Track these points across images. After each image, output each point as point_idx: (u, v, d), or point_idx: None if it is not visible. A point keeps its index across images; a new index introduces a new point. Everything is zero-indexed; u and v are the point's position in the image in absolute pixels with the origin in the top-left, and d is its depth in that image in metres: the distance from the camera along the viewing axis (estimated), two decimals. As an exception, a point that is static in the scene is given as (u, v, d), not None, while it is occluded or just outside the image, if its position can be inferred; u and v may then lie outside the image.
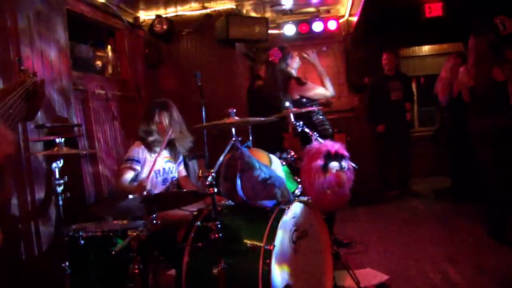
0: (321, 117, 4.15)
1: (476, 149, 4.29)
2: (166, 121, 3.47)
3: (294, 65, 4.19)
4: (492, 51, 4.05)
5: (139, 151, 3.42)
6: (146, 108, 3.69)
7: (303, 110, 3.71)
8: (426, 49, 9.08)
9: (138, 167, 3.40)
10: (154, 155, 3.40)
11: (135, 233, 2.45)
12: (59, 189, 2.63)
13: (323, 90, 4.07)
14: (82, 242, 2.60)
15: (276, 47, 4.21)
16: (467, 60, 4.33)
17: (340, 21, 6.77)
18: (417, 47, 9.07)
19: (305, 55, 4.21)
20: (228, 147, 2.58)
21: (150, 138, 3.44)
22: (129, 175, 3.37)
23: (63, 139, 2.78)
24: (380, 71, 6.52)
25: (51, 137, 3.33)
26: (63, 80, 3.72)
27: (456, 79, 4.90)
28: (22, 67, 2.61)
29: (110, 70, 5.46)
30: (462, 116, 4.50)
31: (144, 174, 3.37)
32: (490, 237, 4.10)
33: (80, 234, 2.61)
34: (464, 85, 4.33)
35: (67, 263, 2.54)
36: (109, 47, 5.45)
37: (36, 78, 1.88)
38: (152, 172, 3.32)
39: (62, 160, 2.66)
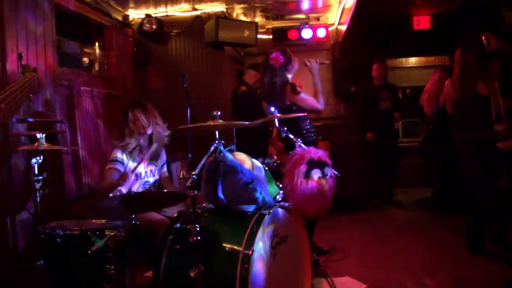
0: (308, 126, 4.11)
1: (457, 160, 4.34)
2: (142, 117, 3.43)
3: (291, 71, 4.12)
4: (477, 65, 4.11)
5: (121, 153, 3.39)
6: (121, 113, 3.64)
7: (288, 116, 3.70)
8: (413, 60, 9.19)
9: (122, 169, 3.36)
10: (134, 162, 3.38)
11: (113, 233, 2.41)
12: (38, 185, 2.58)
13: (314, 103, 3.96)
14: (59, 240, 2.56)
15: (279, 51, 4.11)
16: (453, 73, 4.38)
17: (329, 29, 6.79)
18: (404, 59, 9.19)
19: (307, 64, 4.10)
20: (211, 150, 2.56)
21: (125, 142, 3.39)
22: (114, 177, 3.33)
23: (44, 135, 2.74)
24: (367, 80, 6.58)
25: (33, 132, 3.28)
26: (48, 75, 3.67)
27: (441, 91, 4.96)
28: (22, 63, 2.62)
29: (97, 67, 5.40)
30: (447, 128, 4.54)
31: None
32: (469, 249, 4.14)
33: (57, 232, 2.56)
34: (449, 97, 4.38)
35: (42, 261, 2.49)
36: (97, 44, 5.40)
37: (36, 74, 2.00)
38: (134, 174, 3.31)
39: (42, 156, 2.61)
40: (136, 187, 3.41)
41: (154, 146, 3.46)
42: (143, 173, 3.47)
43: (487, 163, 4.05)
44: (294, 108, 3.94)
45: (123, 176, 3.17)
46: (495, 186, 4.14)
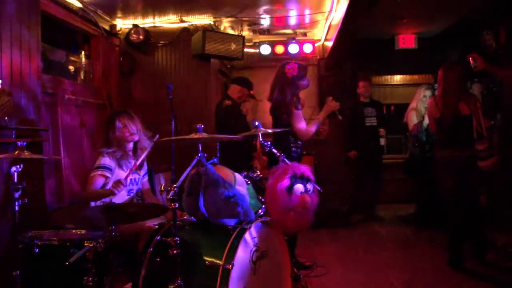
0: (294, 141, 4.11)
1: (437, 178, 4.39)
2: (130, 124, 3.43)
3: (302, 87, 4.08)
4: (460, 85, 4.20)
5: (110, 161, 3.36)
6: (104, 124, 3.62)
7: (270, 130, 3.72)
8: (397, 78, 9.28)
9: (110, 175, 3.33)
10: (121, 169, 3.36)
11: (92, 244, 2.38)
12: (17, 194, 2.55)
13: (303, 126, 3.95)
14: (37, 250, 2.52)
15: (296, 63, 4.13)
16: (436, 93, 4.46)
17: (316, 45, 6.89)
18: (389, 76, 9.29)
19: (330, 103, 4.15)
20: (193, 163, 2.56)
21: (112, 149, 3.38)
22: (99, 183, 3.30)
23: (25, 143, 2.71)
24: (353, 96, 6.64)
25: (14, 140, 3.24)
26: (32, 82, 3.64)
27: (425, 110, 5.05)
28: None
29: (82, 76, 5.38)
30: (431, 146, 4.61)
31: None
32: (450, 265, 4.17)
33: (35, 242, 2.53)
34: (432, 115, 4.45)
35: (18, 272, 2.45)
36: (83, 52, 5.39)
37: (11, 98, 2.02)
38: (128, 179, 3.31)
39: (22, 165, 2.58)
40: (121, 194, 3.39)
41: (144, 154, 3.45)
42: (128, 181, 3.45)
43: (466, 182, 4.11)
44: (284, 122, 3.97)
45: (118, 185, 3.12)
46: (474, 204, 4.20)
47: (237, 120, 4.87)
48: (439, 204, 4.98)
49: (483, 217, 4.32)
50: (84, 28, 5.11)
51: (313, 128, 4.02)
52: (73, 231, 2.87)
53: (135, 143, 3.50)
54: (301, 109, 3.97)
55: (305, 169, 3.06)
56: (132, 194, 3.51)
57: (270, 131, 3.64)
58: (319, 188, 3.15)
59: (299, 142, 4.05)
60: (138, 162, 3.29)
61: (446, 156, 4.23)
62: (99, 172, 3.31)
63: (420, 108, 5.76)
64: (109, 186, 3.29)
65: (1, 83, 3.17)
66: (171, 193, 2.27)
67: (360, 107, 6.48)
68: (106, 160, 3.35)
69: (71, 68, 5.24)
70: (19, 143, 2.69)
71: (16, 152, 2.61)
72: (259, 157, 4.67)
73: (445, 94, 4.25)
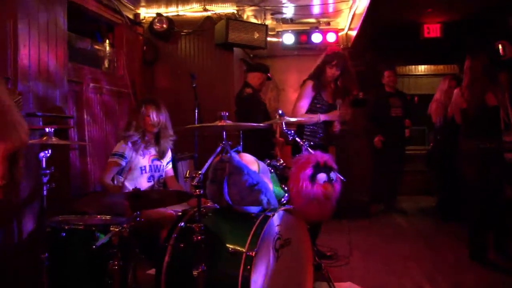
0: (309, 130, 4.11)
1: (463, 170, 4.32)
2: (153, 114, 3.43)
3: (327, 74, 4.06)
4: (486, 75, 4.10)
5: (126, 148, 3.40)
6: (134, 105, 3.68)
7: (294, 120, 3.72)
8: (421, 68, 9.16)
9: (123, 162, 3.38)
10: (139, 155, 3.41)
11: (117, 229, 2.42)
12: (45, 179, 2.61)
13: (297, 105, 4.04)
14: (64, 234, 2.58)
15: (336, 49, 4.17)
16: (462, 83, 4.38)
17: (339, 34, 6.80)
18: (413, 66, 9.16)
19: (340, 106, 4.11)
20: (218, 150, 2.57)
21: (129, 133, 3.41)
22: (114, 170, 3.38)
23: (53, 129, 2.76)
24: (375, 86, 6.56)
25: (41, 126, 3.31)
26: (58, 71, 3.70)
27: (450, 101, 4.96)
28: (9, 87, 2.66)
29: (106, 64, 5.44)
30: (455, 138, 4.53)
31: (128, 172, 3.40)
32: (471, 257, 4.12)
33: (62, 226, 2.58)
34: (457, 106, 4.37)
35: (46, 255, 2.51)
36: (107, 41, 5.44)
37: (20, 97, 2.10)
38: (134, 171, 3.34)
39: (50, 150, 2.63)
40: (141, 181, 3.44)
41: (162, 145, 3.49)
42: (148, 167, 3.49)
43: (491, 173, 4.03)
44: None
45: (116, 190, 3.19)
46: (497, 196, 4.13)
47: (258, 109, 4.88)
48: (461, 197, 4.92)
49: (507, 209, 4.25)
50: (108, 17, 5.15)
51: (303, 112, 4.03)
52: (98, 216, 2.91)
53: (158, 133, 3.52)
54: (310, 92, 3.99)
55: (328, 158, 3.05)
56: (153, 181, 3.55)
57: (293, 120, 3.63)
58: (342, 178, 3.15)
59: (318, 135, 4.05)
60: (153, 152, 3.29)
61: (471, 147, 4.15)
62: (114, 159, 3.38)
63: (444, 99, 5.65)
64: (125, 172, 3.40)
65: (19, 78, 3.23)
66: (196, 179, 2.28)
67: (385, 98, 6.40)
68: (122, 147, 3.40)
69: (96, 56, 5.30)
70: (46, 130, 2.74)
71: (44, 138, 2.67)
72: (279, 144, 4.67)
73: (471, 84, 4.16)
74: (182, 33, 5.91)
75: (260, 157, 3.07)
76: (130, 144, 3.40)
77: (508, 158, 4.02)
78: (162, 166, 3.60)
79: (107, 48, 5.44)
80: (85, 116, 4.46)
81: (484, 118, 4.07)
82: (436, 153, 6.00)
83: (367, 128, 6.41)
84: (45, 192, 2.61)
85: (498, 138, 4.01)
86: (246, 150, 3.26)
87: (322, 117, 4.04)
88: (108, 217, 2.87)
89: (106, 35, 5.44)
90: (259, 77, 5.04)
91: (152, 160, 3.53)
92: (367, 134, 6.42)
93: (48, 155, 2.62)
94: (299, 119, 3.88)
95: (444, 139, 5.66)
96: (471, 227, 4.24)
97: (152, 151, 3.52)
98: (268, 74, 5.16)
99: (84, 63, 4.68)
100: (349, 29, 6.77)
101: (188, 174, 2.34)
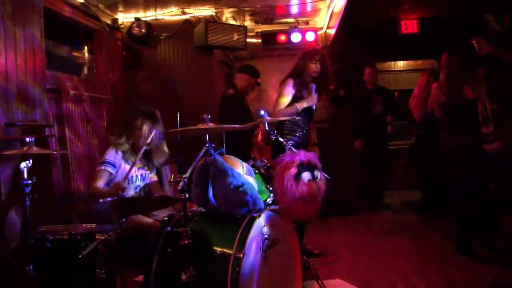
0: (290, 125, 4.09)
1: (445, 164, 4.39)
2: (146, 130, 3.31)
3: (311, 70, 4.03)
4: (463, 69, 4.18)
5: (115, 156, 3.32)
6: (130, 112, 3.57)
7: (277, 119, 3.73)
8: (401, 64, 9.27)
9: (113, 171, 3.29)
10: (128, 164, 3.34)
11: (103, 237, 2.40)
12: (27, 189, 2.57)
13: (280, 109, 3.96)
14: (49, 245, 2.54)
15: (318, 47, 4.19)
16: (440, 78, 4.44)
17: (318, 33, 6.85)
18: (392, 62, 9.26)
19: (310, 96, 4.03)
20: (201, 153, 2.57)
21: (120, 141, 3.34)
22: (104, 178, 3.27)
23: (33, 139, 2.72)
24: (356, 84, 6.61)
25: (22, 136, 3.26)
26: (36, 79, 3.65)
27: (429, 96, 5.03)
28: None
29: (86, 71, 5.39)
30: (436, 132, 4.59)
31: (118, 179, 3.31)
32: (458, 251, 4.18)
33: (47, 236, 2.55)
34: (436, 101, 4.43)
35: (31, 267, 2.48)
36: (86, 48, 5.39)
37: None
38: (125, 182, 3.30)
39: (31, 160, 2.60)
40: (128, 192, 3.40)
41: (153, 161, 3.46)
42: (134, 177, 3.45)
43: (474, 166, 4.10)
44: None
45: (116, 188, 3.05)
46: (482, 189, 4.19)
47: (238, 111, 4.84)
48: (445, 190, 4.98)
49: (492, 202, 4.32)
50: (86, 23, 5.11)
51: (284, 112, 3.94)
52: (83, 225, 2.88)
53: (150, 149, 3.44)
54: (291, 90, 3.99)
55: (312, 156, 3.07)
56: (138, 190, 3.51)
57: (275, 119, 3.64)
58: (326, 176, 3.16)
59: (297, 133, 4.04)
60: (132, 166, 3.13)
61: (452, 141, 4.22)
62: (102, 167, 3.27)
63: (423, 94, 5.73)
64: (114, 181, 3.26)
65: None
66: (181, 183, 2.27)
67: (366, 95, 6.47)
68: (112, 155, 3.32)
69: (75, 63, 5.24)
70: (26, 139, 2.70)
71: (25, 148, 2.63)
72: (258, 146, 4.67)
73: (449, 78, 4.23)
74: (161, 37, 5.90)
75: (242, 158, 3.07)
76: (120, 153, 3.34)
77: (487, 149, 4.09)
78: (147, 175, 3.57)
79: (86, 54, 5.39)
80: (66, 124, 4.41)
81: (463, 112, 4.14)
82: (419, 147, 6.07)
83: (350, 126, 6.45)
84: (27, 203, 2.57)
85: (477, 131, 4.08)
86: (228, 152, 3.26)
87: (299, 106, 3.96)
88: (93, 225, 2.84)
89: (84, 42, 5.39)
90: (246, 80, 5.01)
91: (139, 169, 3.48)
92: (352, 132, 6.47)
93: (29, 165, 2.58)
94: (279, 118, 3.85)
95: (425, 133, 5.74)
96: (457, 221, 4.30)
97: (140, 162, 3.46)
98: (258, 80, 5.11)
99: (63, 71, 4.63)
100: (328, 27, 6.82)
101: (173, 179, 2.33)
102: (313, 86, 3.98)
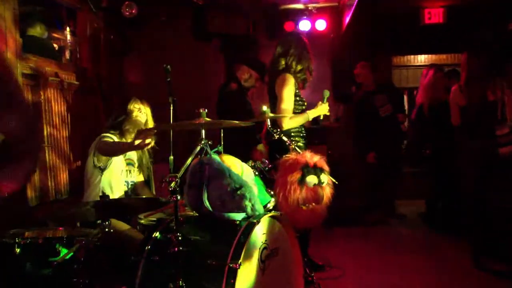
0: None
1: (463, 171, 4.45)
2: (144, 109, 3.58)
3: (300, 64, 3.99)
4: (484, 70, 4.24)
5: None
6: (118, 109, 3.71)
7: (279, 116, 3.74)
8: (422, 58, 9.24)
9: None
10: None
11: (83, 242, 2.40)
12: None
13: (289, 121, 3.90)
14: (19, 250, 2.53)
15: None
16: (460, 79, 4.51)
17: (330, 21, 6.82)
18: (412, 56, 9.23)
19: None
20: (196, 151, 2.58)
21: (120, 119, 3.50)
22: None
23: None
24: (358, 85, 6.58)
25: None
26: (11, 63, 3.65)
27: (435, 89, 5.12)
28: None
29: (67, 55, 5.36)
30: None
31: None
32: (475, 266, 4.23)
33: (17, 240, 2.53)
34: (456, 104, 4.47)
35: (-1, 274, 2.47)
36: (68, 29, 5.35)
37: None
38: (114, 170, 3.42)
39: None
40: (119, 184, 3.50)
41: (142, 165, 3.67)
42: (124, 172, 3.52)
43: (489, 173, 4.17)
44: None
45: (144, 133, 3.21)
46: (506, 199, 4.24)
47: (242, 109, 4.85)
48: (455, 201, 5.01)
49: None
50: (69, 2, 5.09)
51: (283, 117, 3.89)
52: (60, 228, 2.88)
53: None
54: (293, 89, 3.97)
55: (319, 159, 3.08)
56: (127, 187, 3.57)
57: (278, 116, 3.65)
58: (334, 181, 3.18)
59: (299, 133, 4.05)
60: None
61: (474, 147, 4.27)
62: (104, 139, 3.42)
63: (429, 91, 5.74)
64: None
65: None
66: (173, 184, 2.28)
67: (368, 98, 6.32)
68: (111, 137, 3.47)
69: (55, 46, 5.22)
70: (0, 132, 2.70)
71: (-2, 140, 2.63)
72: (260, 152, 4.68)
73: (470, 81, 4.30)
74: (155, 20, 5.87)
75: (242, 158, 3.08)
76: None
77: (501, 153, 4.16)
78: (136, 171, 3.63)
79: (68, 36, 5.36)
80: (44, 115, 4.41)
81: (485, 116, 4.21)
82: (411, 149, 6.12)
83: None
84: (-4, 203, 2.57)
85: (492, 134, 4.18)
86: (227, 151, 3.27)
87: (310, 115, 3.96)
88: (71, 228, 2.85)
89: (66, 22, 5.36)
90: (250, 74, 5.02)
91: (127, 164, 3.55)
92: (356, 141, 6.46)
93: (1, 160, 2.58)
94: (290, 125, 3.87)
95: (418, 133, 5.85)
96: (475, 233, 4.33)
97: (130, 154, 3.58)
98: (263, 76, 5.06)
99: (41, 54, 4.61)
100: (340, 15, 6.81)
101: (164, 179, 2.34)
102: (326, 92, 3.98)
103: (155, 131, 3.33)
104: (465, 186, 4.53)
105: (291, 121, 3.87)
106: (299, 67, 3.96)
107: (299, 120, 3.93)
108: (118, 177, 3.50)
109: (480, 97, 4.21)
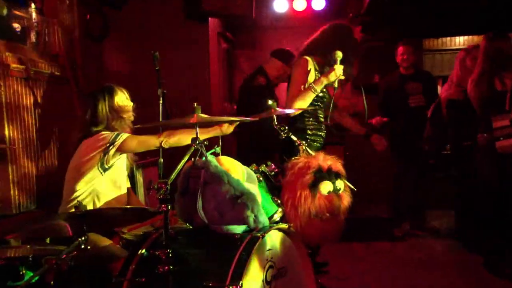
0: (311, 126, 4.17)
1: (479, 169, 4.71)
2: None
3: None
4: (496, 60, 4.61)
5: None
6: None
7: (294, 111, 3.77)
8: (460, 40, 9.19)
9: None
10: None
11: (53, 262, 2.38)
12: None
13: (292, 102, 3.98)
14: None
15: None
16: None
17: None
18: (448, 38, 9.19)
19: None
20: (190, 153, 2.60)
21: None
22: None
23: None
24: (395, 68, 6.55)
25: None
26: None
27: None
28: None
29: (33, 38, 5.29)
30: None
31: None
32: (488, 270, 4.54)
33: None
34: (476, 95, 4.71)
35: None
36: (33, 5, 5.26)
37: None
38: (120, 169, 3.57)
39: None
40: (122, 181, 3.63)
41: None
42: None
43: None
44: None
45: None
46: None
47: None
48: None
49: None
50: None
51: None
52: (27, 246, 2.85)
53: None
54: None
55: (334, 162, 3.09)
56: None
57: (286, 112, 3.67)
58: (352, 187, 3.19)
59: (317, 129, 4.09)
60: None
61: (488, 142, 4.56)
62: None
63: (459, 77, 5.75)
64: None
65: None
66: (162, 191, 2.30)
67: (399, 83, 6.34)
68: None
69: (17, 27, 5.13)
70: None
71: None
72: None
73: (482, 73, 4.67)
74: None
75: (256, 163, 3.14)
76: None
77: (499, 147, 4.35)
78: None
79: (34, 15, 5.28)
80: (5, 109, 4.40)
81: (494, 107, 4.53)
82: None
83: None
84: None
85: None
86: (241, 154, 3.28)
87: (316, 85, 3.90)
88: (39, 246, 2.82)
89: (33, -1, 5.34)
90: (280, 68, 5.08)
91: None
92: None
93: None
94: (292, 109, 3.89)
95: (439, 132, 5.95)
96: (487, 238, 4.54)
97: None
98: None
99: (1, 37, 4.58)
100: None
101: (152, 185, 2.36)
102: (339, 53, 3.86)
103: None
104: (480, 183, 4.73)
105: (293, 104, 3.92)
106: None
107: (304, 97, 3.91)
108: (123, 172, 3.64)
109: (489, 92, 4.55)
